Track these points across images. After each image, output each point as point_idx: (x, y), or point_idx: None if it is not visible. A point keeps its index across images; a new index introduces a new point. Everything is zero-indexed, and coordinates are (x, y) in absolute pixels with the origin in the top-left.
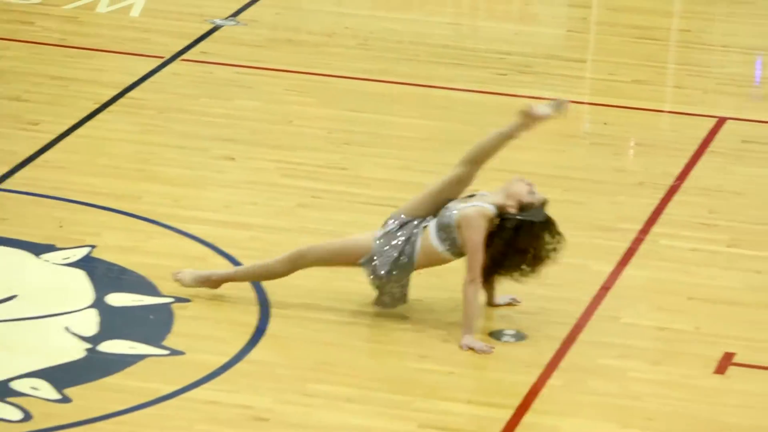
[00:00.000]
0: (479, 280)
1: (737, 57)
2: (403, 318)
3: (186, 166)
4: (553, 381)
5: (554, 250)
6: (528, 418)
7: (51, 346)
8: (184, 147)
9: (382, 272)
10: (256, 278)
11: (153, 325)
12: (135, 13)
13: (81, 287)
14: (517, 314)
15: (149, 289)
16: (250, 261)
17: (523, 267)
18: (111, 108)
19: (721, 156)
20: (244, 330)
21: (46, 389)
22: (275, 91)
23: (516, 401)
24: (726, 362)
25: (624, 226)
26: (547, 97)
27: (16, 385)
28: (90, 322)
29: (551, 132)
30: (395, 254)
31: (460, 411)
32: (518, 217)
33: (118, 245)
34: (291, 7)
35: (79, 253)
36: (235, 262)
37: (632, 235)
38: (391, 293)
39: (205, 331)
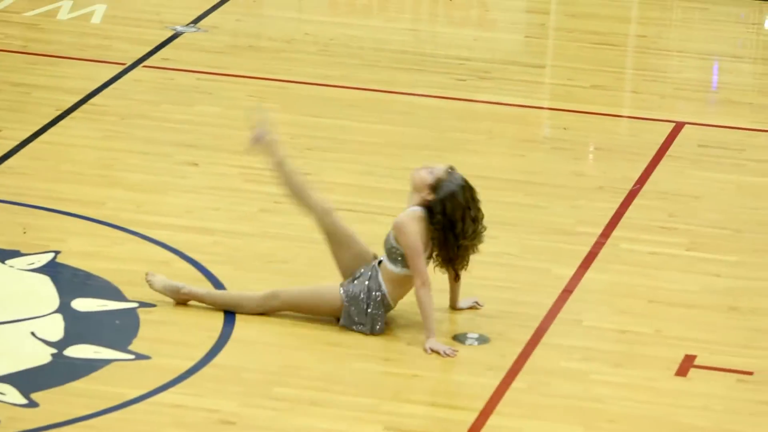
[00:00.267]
0: (428, 281)
1: (694, 62)
2: None
3: (149, 171)
4: (517, 384)
5: (479, 200)
6: (492, 421)
7: (17, 351)
8: (147, 153)
9: (365, 313)
10: (225, 307)
11: (119, 329)
12: (96, 20)
13: (46, 292)
14: (480, 318)
15: (114, 294)
16: (213, 266)
17: (472, 234)
18: (73, 114)
19: (679, 160)
20: (210, 334)
21: (12, 394)
22: (237, 97)
23: (480, 404)
24: (687, 365)
25: (584, 230)
26: (506, 102)
27: None
28: (56, 327)
29: (511, 137)
30: (367, 292)
31: (424, 414)
32: (438, 197)
33: (83, 251)
34: (251, 14)
35: (44, 259)
36: (199, 267)
37: (593, 239)
38: (371, 324)
39: (171, 336)
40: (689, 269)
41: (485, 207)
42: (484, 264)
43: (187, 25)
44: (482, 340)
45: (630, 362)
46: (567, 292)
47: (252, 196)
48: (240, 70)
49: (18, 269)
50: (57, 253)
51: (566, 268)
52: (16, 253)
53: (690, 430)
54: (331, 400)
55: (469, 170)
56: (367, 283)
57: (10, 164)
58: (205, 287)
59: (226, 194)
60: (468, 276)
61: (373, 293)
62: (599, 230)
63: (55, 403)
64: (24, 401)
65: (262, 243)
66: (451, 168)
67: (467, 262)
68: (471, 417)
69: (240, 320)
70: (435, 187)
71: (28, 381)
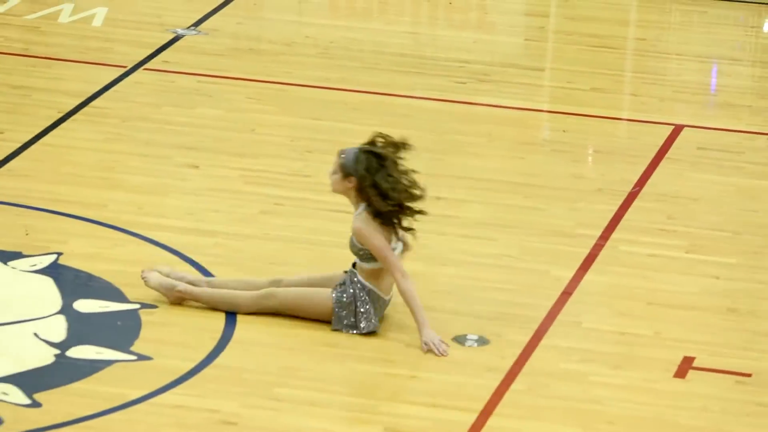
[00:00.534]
0: (406, 272)
1: (692, 65)
2: None
3: (150, 174)
4: (516, 385)
5: (392, 159)
6: (491, 422)
7: (20, 352)
8: (148, 155)
9: (355, 313)
10: (220, 306)
11: (120, 330)
12: (97, 22)
13: (49, 294)
14: (480, 319)
15: (116, 295)
16: (214, 267)
17: (400, 188)
18: (74, 117)
19: (677, 163)
20: (211, 336)
21: (15, 394)
22: (237, 100)
23: (479, 405)
24: (686, 366)
25: (584, 232)
26: (506, 105)
27: None
28: (58, 328)
29: (511, 139)
30: (353, 294)
31: (424, 415)
32: (352, 170)
33: (84, 252)
34: (252, 17)
35: (46, 260)
36: (200, 268)
37: (592, 241)
38: (366, 322)
39: (173, 337)
40: (688, 271)
41: (484, 209)
42: (483, 266)
43: (188, 28)
44: (482, 341)
45: (629, 364)
46: (566, 293)
47: (252, 198)
48: (240, 73)
49: (20, 271)
50: (59, 254)
51: (565, 270)
52: (18, 255)
53: (688, 431)
54: (331, 400)
55: (468, 172)
56: (350, 289)
57: (11, 166)
58: (200, 284)
59: (227, 196)
60: (467, 277)
61: (359, 293)
62: (598, 232)
63: (57, 403)
64: (27, 401)
65: (262, 245)
66: (356, 148)
67: (409, 223)
68: (470, 418)
69: (241, 322)
70: (343, 171)
71: (31, 381)
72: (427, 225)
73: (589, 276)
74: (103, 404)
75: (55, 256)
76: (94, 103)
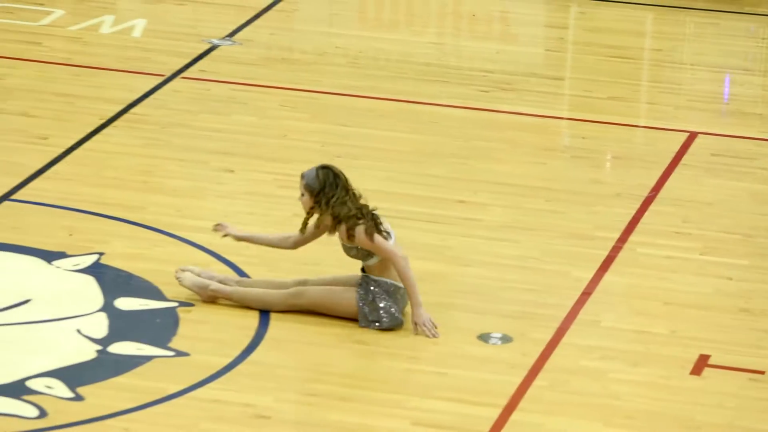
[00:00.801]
0: (404, 253)
1: (706, 75)
2: None
3: (187, 177)
4: (539, 381)
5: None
6: (515, 417)
7: (64, 348)
8: (185, 160)
9: (378, 309)
10: (252, 304)
11: (159, 327)
12: (137, 33)
13: (91, 292)
14: (504, 318)
15: (155, 293)
16: (248, 268)
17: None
18: (115, 123)
19: (692, 168)
20: (246, 333)
21: (60, 388)
22: (270, 107)
23: (503, 401)
24: (702, 364)
25: (602, 234)
26: (528, 112)
27: (31, 384)
28: (100, 325)
29: (532, 146)
30: (372, 291)
31: (450, 410)
32: (323, 187)
33: (125, 252)
34: (284, 28)
35: (89, 260)
36: (235, 268)
37: (610, 244)
38: (389, 316)
39: (209, 334)
40: (703, 272)
41: (507, 212)
42: (507, 267)
43: (223, 38)
44: (505, 339)
45: (647, 361)
46: (586, 294)
47: (285, 201)
48: (273, 82)
49: (64, 270)
50: (101, 254)
51: (585, 271)
52: (62, 255)
53: (704, 427)
54: (361, 396)
55: (492, 177)
56: (368, 287)
57: (56, 170)
58: (229, 284)
59: (261, 199)
60: (491, 278)
61: (374, 289)
62: (617, 235)
63: (99, 397)
64: (71, 395)
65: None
66: (314, 168)
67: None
68: (495, 413)
69: (274, 320)
70: (309, 191)
71: (75, 376)
72: (452, 227)
73: (608, 277)
74: (143, 398)
75: (97, 256)
76: (134, 110)
